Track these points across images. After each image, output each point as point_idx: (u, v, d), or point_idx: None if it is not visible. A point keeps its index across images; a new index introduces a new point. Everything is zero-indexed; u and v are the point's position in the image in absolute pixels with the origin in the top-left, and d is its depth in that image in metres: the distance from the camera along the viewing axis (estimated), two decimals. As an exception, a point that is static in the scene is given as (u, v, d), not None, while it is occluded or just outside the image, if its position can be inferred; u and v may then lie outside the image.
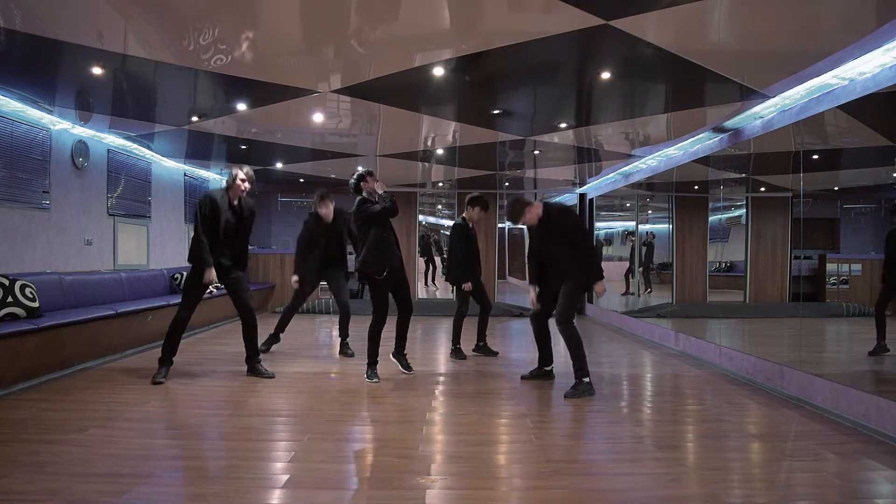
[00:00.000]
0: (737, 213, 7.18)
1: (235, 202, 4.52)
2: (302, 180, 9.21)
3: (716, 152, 5.63)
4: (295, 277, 5.69)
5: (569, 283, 4.25)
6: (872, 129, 4.41)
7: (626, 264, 9.13)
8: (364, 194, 4.50)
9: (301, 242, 5.62)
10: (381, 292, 4.52)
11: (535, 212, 4.36)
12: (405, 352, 4.81)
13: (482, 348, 5.75)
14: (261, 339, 4.90)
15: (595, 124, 5.50)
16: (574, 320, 4.31)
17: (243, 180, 4.47)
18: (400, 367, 4.75)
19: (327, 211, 5.49)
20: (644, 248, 8.64)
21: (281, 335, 5.72)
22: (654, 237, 8.70)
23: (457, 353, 5.58)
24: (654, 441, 3.20)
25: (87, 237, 5.98)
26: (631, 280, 8.94)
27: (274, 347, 5.69)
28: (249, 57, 3.85)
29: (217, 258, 4.43)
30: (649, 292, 8.70)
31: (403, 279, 4.71)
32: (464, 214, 5.65)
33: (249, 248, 4.88)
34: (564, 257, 4.25)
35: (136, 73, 4.19)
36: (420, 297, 10.51)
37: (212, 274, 4.35)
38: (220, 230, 4.42)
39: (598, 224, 9.96)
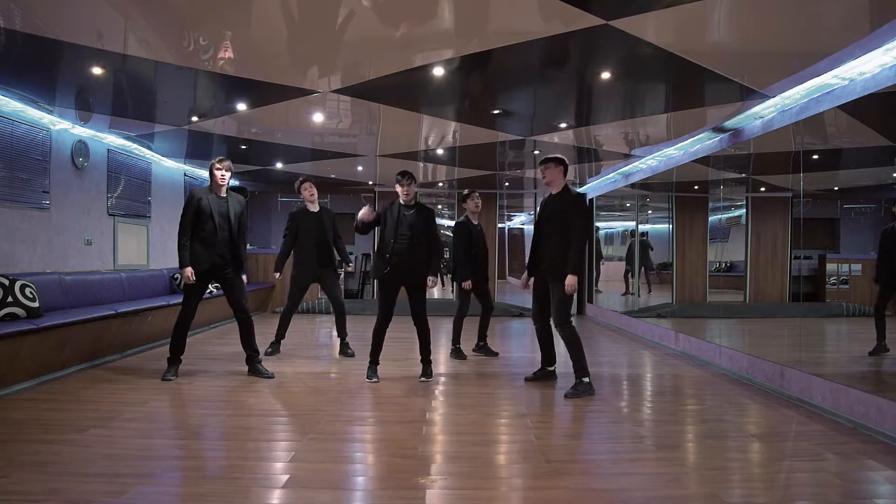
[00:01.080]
0: (737, 213, 7.18)
1: (223, 196, 4.51)
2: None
3: (716, 152, 5.63)
4: (277, 275, 5.71)
5: (554, 286, 4.22)
6: (872, 129, 4.41)
7: (625, 264, 9.14)
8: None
9: (286, 238, 5.62)
10: (382, 291, 4.54)
11: (561, 176, 4.32)
12: (430, 359, 4.62)
13: (483, 348, 5.75)
14: (263, 342, 4.88)
15: (595, 124, 5.50)
16: (572, 320, 4.31)
17: (219, 169, 4.46)
18: (420, 378, 4.56)
19: (309, 194, 5.54)
20: (642, 248, 8.65)
21: (282, 341, 5.70)
22: (646, 236, 8.71)
23: (457, 352, 5.57)
24: (654, 441, 3.20)
25: (87, 237, 5.98)
26: (631, 280, 8.94)
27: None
28: (249, 57, 3.85)
29: (210, 257, 4.42)
30: (649, 292, 8.70)
31: (416, 284, 4.52)
32: (465, 212, 5.66)
33: (249, 247, 4.84)
34: (554, 244, 4.22)
35: (136, 73, 4.19)
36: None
37: (188, 272, 4.36)
38: (215, 228, 4.41)
39: (597, 224, 9.96)
